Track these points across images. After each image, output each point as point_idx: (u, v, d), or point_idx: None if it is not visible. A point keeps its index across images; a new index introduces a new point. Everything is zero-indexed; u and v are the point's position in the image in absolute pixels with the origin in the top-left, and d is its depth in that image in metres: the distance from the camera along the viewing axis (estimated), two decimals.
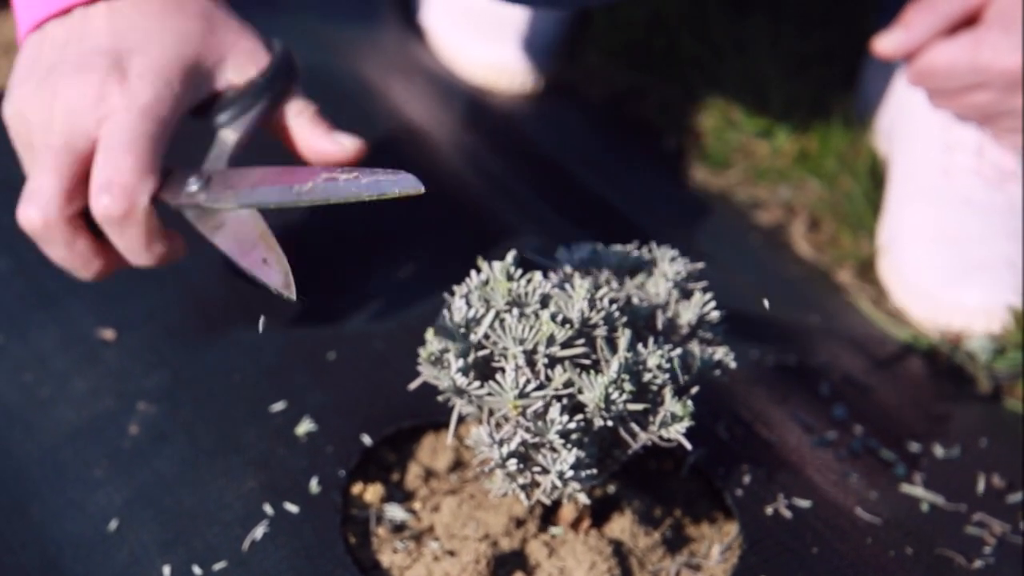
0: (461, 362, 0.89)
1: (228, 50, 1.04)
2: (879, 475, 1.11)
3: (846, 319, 1.36)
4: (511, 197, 1.37)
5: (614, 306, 0.91)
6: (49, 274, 1.20)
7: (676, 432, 0.90)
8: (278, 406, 1.06)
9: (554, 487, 0.91)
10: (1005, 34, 1.24)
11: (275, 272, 0.94)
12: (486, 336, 0.89)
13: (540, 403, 0.87)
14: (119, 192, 1.00)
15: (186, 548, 0.96)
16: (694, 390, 0.93)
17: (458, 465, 1.03)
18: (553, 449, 0.89)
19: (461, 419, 0.93)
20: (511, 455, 0.88)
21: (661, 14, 1.69)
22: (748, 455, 1.05)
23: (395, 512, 0.98)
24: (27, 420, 1.09)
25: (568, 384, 0.88)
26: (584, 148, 1.54)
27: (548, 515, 0.98)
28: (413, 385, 0.93)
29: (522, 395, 0.87)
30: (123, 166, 1.00)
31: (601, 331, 0.90)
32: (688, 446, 0.90)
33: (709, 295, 0.96)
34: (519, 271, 0.91)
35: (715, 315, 0.96)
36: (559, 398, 0.88)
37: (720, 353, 0.96)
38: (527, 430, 0.88)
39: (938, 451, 1.16)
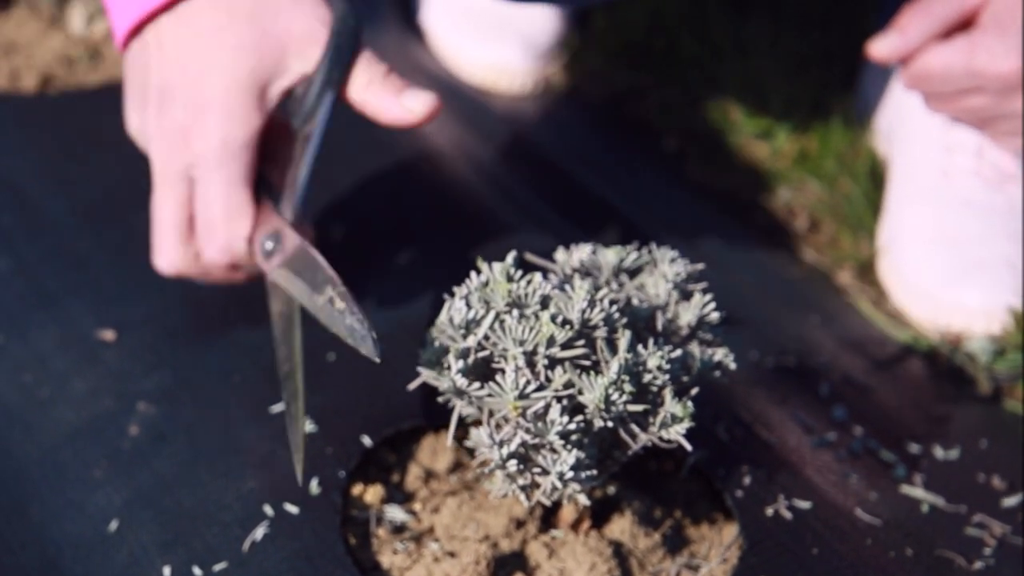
0: (461, 363, 0.89)
1: (286, 43, 1.03)
2: (879, 476, 1.11)
3: (846, 320, 1.36)
4: (511, 198, 1.37)
5: (614, 307, 0.91)
6: (49, 274, 1.20)
7: (676, 433, 0.90)
8: (278, 407, 1.05)
9: (554, 488, 0.91)
10: (1000, 38, 1.24)
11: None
12: (486, 337, 0.89)
13: (540, 404, 0.87)
14: (218, 248, 1.06)
15: (186, 549, 0.96)
16: (694, 391, 0.93)
17: (458, 466, 1.03)
18: (553, 450, 0.89)
19: (461, 420, 0.93)
20: (511, 456, 0.88)
21: (661, 15, 1.69)
22: (748, 456, 1.05)
23: (395, 513, 0.98)
24: (27, 420, 1.09)
25: (568, 385, 0.88)
26: (584, 149, 1.54)
27: (548, 516, 0.98)
28: (413, 386, 0.93)
29: (522, 396, 0.87)
30: (217, 220, 1.05)
31: (601, 332, 0.90)
32: (688, 447, 0.90)
33: (709, 296, 0.96)
34: (519, 272, 0.91)
35: (715, 316, 0.96)
36: (559, 399, 0.88)
37: (720, 354, 0.96)
38: (527, 431, 0.88)
39: (938, 452, 1.16)
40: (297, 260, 1.03)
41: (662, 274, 0.96)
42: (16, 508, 1.03)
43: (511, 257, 0.91)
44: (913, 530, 1.05)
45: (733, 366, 0.95)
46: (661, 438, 0.91)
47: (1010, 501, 1.12)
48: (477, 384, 0.89)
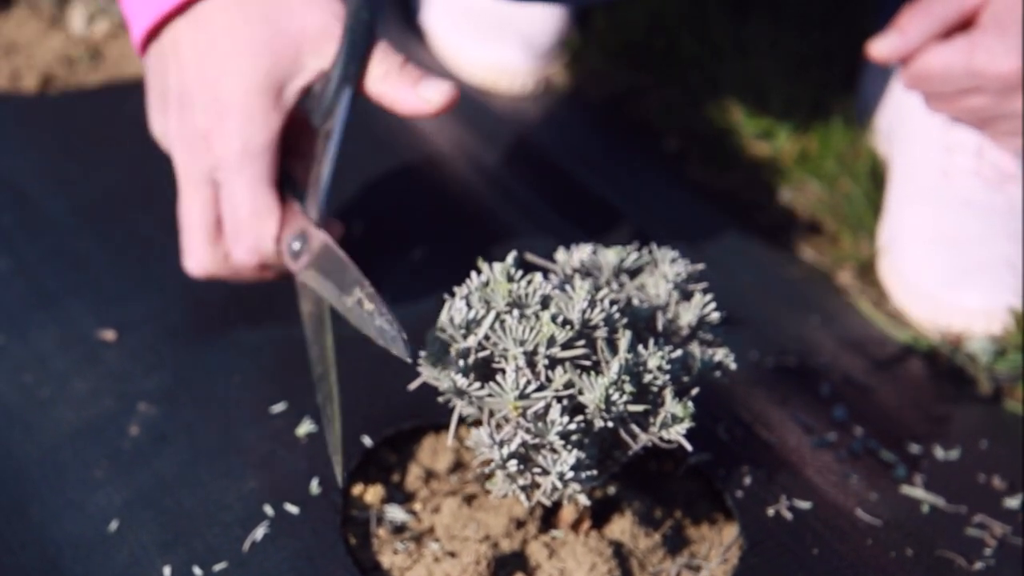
0: (461, 363, 0.89)
1: (300, 42, 1.03)
2: (879, 476, 1.11)
3: (846, 320, 1.36)
4: (511, 198, 1.37)
5: (614, 307, 0.91)
6: (49, 274, 1.20)
7: (676, 433, 0.90)
8: (279, 407, 1.06)
9: (554, 488, 0.91)
10: (1000, 38, 1.24)
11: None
12: (486, 337, 0.89)
13: (540, 404, 0.87)
14: (246, 248, 1.06)
15: (186, 549, 0.96)
16: (694, 391, 0.93)
17: (458, 466, 1.03)
18: (553, 450, 0.89)
19: (461, 420, 0.93)
20: (511, 456, 0.88)
21: (661, 15, 1.69)
22: (748, 456, 1.05)
23: (395, 513, 0.98)
24: (27, 421, 1.09)
25: (568, 385, 0.88)
26: (584, 149, 1.54)
27: (548, 516, 0.98)
28: (413, 386, 0.93)
29: (522, 396, 0.87)
30: (244, 222, 1.05)
31: (601, 332, 0.90)
32: (688, 447, 0.90)
33: (709, 296, 0.96)
34: (519, 272, 0.91)
35: (715, 316, 0.96)
36: (559, 399, 0.88)
37: (720, 354, 0.96)
38: (527, 431, 0.88)
39: (938, 452, 1.16)
40: (324, 260, 1.03)
41: (662, 274, 0.96)
42: (16, 508, 1.03)
43: (511, 257, 0.91)
44: (913, 530, 1.05)
45: (733, 366, 0.95)
46: (661, 438, 0.91)
47: (1011, 501, 1.12)
48: (477, 384, 0.89)
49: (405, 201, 1.32)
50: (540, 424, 0.88)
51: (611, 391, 0.87)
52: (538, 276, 0.91)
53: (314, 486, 0.99)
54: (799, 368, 1.23)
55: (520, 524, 0.97)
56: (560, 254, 0.97)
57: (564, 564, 0.95)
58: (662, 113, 1.61)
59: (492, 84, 1.58)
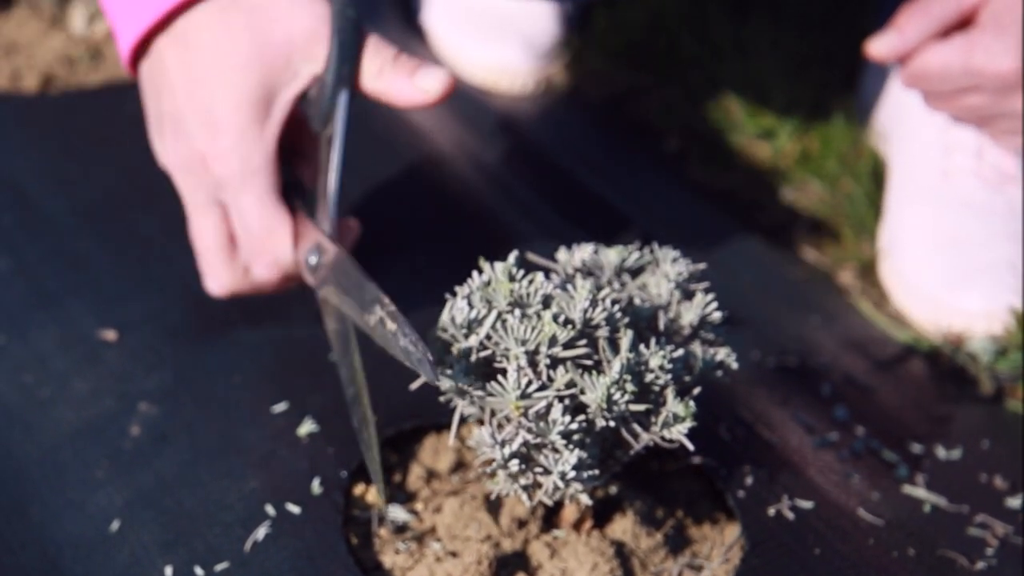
0: (463, 363, 0.89)
1: (289, 50, 1.02)
2: (881, 476, 1.11)
3: (847, 320, 1.35)
4: (511, 198, 1.37)
5: (616, 307, 0.91)
6: (49, 274, 1.20)
7: (678, 433, 0.90)
8: (280, 407, 1.06)
9: (556, 488, 0.90)
10: (998, 37, 1.24)
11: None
12: (488, 337, 0.89)
13: (542, 404, 0.87)
14: (266, 265, 1.06)
15: (187, 549, 0.96)
16: (696, 391, 0.93)
17: (460, 466, 1.02)
18: (555, 450, 0.89)
19: (463, 420, 0.93)
20: (513, 456, 0.88)
21: (661, 15, 1.69)
22: (750, 456, 1.05)
23: (397, 513, 0.98)
24: (27, 421, 1.08)
25: (570, 385, 0.88)
26: (585, 149, 1.54)
27: (550, 516, 0.98)
28: (414, 386, 0.93)
29: (524, 396, 0.87)
30: (258, 239, 1.05)
31: (603, 332, 0.90)
32: (690, 447, 0.90)
33: (711, 296, 0.96)
34: (521, 272, 0.91)
35: (717, 316, 0.96)
36: (561, 399, 0.88)
37: (722, 354, 0.96)
38: (529, 431, 0.88)
39: (940, 452, 1.16)
40: (342, 276, 1.02)
41: (664, 274, 0.96)
42: (17, 508, 1.03)
43: (513, 257, 0.91)
44: (915, 530, 1.05)
45: (735, 366, 0.95)
46: (663, 438, 0.91)
47: (1012, 501, 1.12)
48: (479, 384, 0.88)
49: (406, 201, 1.32)
50: (542, 424, 0.87)
51: (613, 390, 0.87)
52: (539, 276, 0.91)
53: (315, 486, 0.98)
54: (800, 368, 1.23)
55: (522, 524, 0.97)
56: (561, 254, 0.97)
57: (566, 564, 0.95)
58: (662, 113, 1.60)
59: (493, 84, 1.58)
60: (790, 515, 1.01)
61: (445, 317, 0.90)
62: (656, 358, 0.90)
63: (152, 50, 1.04)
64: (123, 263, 1.21)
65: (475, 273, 0.92)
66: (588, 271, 0.96)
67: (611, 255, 0.96)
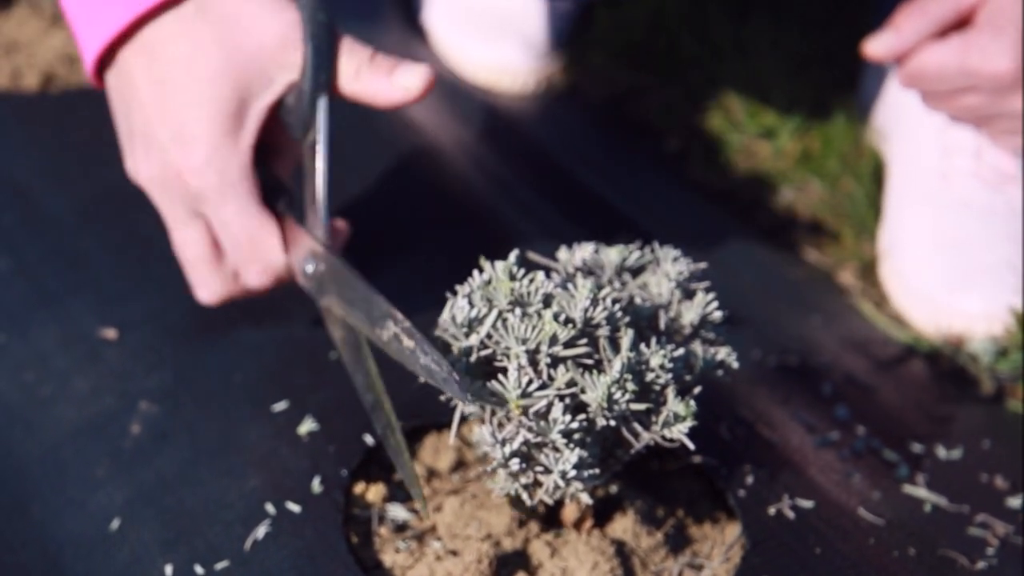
0: (463, 362, 0.89)
1: (262, 59, 1.00)
2: (882, 476, 1.11)
3: (848, 320, 1.36)
4: (512, 197, 1.37)
5: (617, 306, 0.91)
6: (50, 273, 1.20)
7: (679, 432, 0.90)
8: (280, 406, 1.06)
9: (556, 487, 0.90)
10: (995, 37, 1.24)
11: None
12: (488, 336, 0.89)
13: (543, 403, 0.87)
14: (257, 273, 1.05)
15: (188, 547, 0.96)
16: (697, 390, 0.93)
17: (460, 465, 1.02)
18: (556, 449, 0.89)
19: (463, 419, 0.93)
20: (513, 455, 0.88)
21: (662, 15, 1.69)
22: (750, 455, 1.05)
23: (397, 512, 0.98)
24: (28, 419, 1.08)
25: (571, 384, 0.88)
26: (585, 148, 1.54)
27: (551, 515, 0.98)
28: (415, 385, 0.92)
29: (525, 395, 0.87)
30: (246, 249, 1.04)
31: (604, 331, 0.90)
32: (691, 446, 0.90)
33: (712, 295, 0.96)
34: (521, 271, 0.91)
35: (717, 315, 0.96)
36: (562, 398, 0.88)
37: (722, 353, 0.95)
38: (529, 430, 0.88)
39: (941, 452, 1.16)
40: (346, 288, 1.00)
41: (665, 273, 0.96)
42: (17, 507, 1.03)
43: (514, 255, 0.91)
44: (916, 530, 1.05)
45: (736, 365, 0.95)
46: (664, 437, 0.91)
47: (1013, 501, 1.12)
48: (480, 383, 0.88)
49: (406, 200, 1.32)
50: (542, 423, 0.87)
51: (613, 390, 0.87)
52: (540, 275, 0.91)
53: (315, 484, 0.98)
54: (801, 367, 1.23)
55: (522, 523, 0.97)
56: (562, 253, 0.97)
57: (566, 563, 0.95)
58: (663, 113, 1.60)
59: (493, 84, 1.58)
60: (791, 514, 1.01)
61: (446, 316, 0.90)
62: (657, 357, 0.90)
63: (118, 62, 1.02)
64: (123, 262, 1.21)
65: (476, 272, 0.92)
66: (589, 270, 0.96)
67: (612, 254, 0.96)
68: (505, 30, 1.59)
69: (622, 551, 0.96)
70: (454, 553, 0.95)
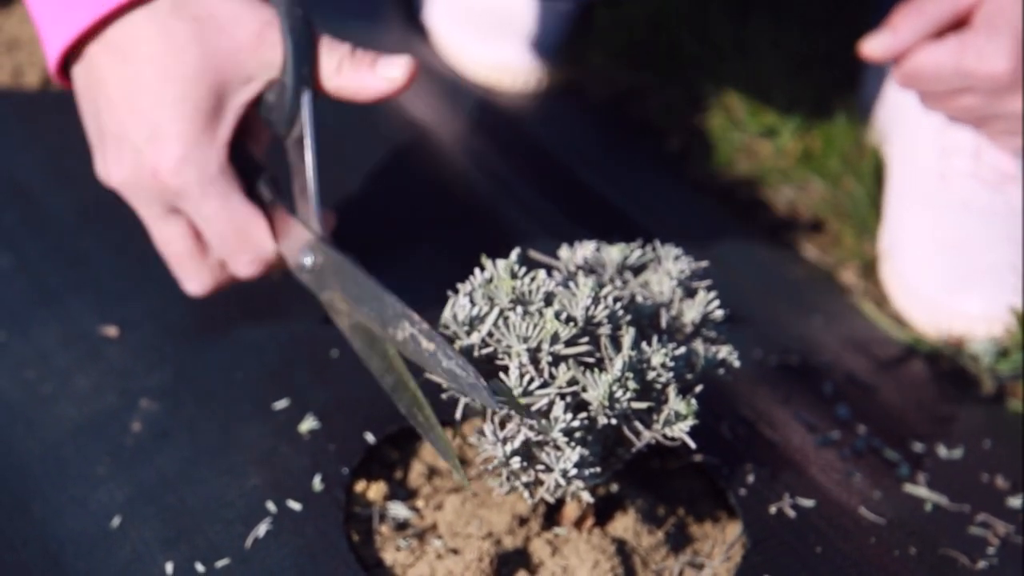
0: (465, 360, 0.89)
1: (240, 58, 0.99)
2: (883, 475, 1.11)
3: (849, 319, 1.36)
4: (513, 196, 1.37)
5: (618, 304, 0.91)
6: (51, 271, 1.20)
7: (680, 431, 0.90)
8: (281, 404, 1.05)
9: (557, 485, 0.90)
10: (991, 38, 1.24)
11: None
12: (490, 334, 0.89)
13: (544, 401, 0.87)
14: (247, 263, 1.04)
15: (189, 545, 0.96)
16: (698, 389, 0.93)
17: (461, 463, 1.02)
18: (557, 447, 0.89)
19: (464, 417, 0.93)
20: (514, 453, 0.88)
21: (663, 14, 1.69)
22: (751, 454, 1.05)
23: (398, 510, 0.98)
24: (29, 417, 1.08)
25: (572, 382, 0.88)
26: (586, 148, 1.54)
27: (551, 514, 0.98)
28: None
29: (526, 393, 0.87)
30: (233, 243, 1.03)
31: (605, 329, 0.90)
32: (692, 445, 0.90)
33: (713, 294, 0.96)
34: (523, 269, 0.91)
35: (719, 314, 0.96)
36: (563, 396, 0.88)
37: (724, 352, 0.95)
38: (531, 428, 0.88)
39: (941, 451, 1.16)
40: (351, 283, 0.99)
41: (666, 271, 0.96)
42: (18, 505, 1.03)
43: (515, 254, 0.91)
44: (917, 529, 1.05)
45: (737, 364, 0.95)
46: (665, 436, 0.91)
47: (1013, 501, 1.12)
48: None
49: (406, 199, 1.32)
50: (543, 421, 0.87)
51: (615, 388, 0.87)
52: (542, 273, 0.91)
53: (316, 483, 0.98)
54: (802, 367, 1.23)
55: (523, 521, 0.97)
56: (563, 251, 0.97)
57: (567, 561, 0.95)
58: (664, 112, 1.60)
59: (494, 83, 1.58)
60: (792, 513, 1.01)
61: (447, 314, 0.90)
62: (658, 356, 0.90)
63: (85, 60, 1.00)
64: (124, 260, 1.21)
65: (477, 270, 0.92)
66: (590, 269, 0.96)
67: (613, 253, 0.96)
68: (506, 29, 1.59)
69: (623, 550, 0.96)
70: (455, 551, 0.95)
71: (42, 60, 1.44)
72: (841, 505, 1.04)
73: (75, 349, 1.13)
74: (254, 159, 1.06)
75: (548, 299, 0.90)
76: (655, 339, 0.91)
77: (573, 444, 0.88)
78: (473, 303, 0.90)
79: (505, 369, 0.87)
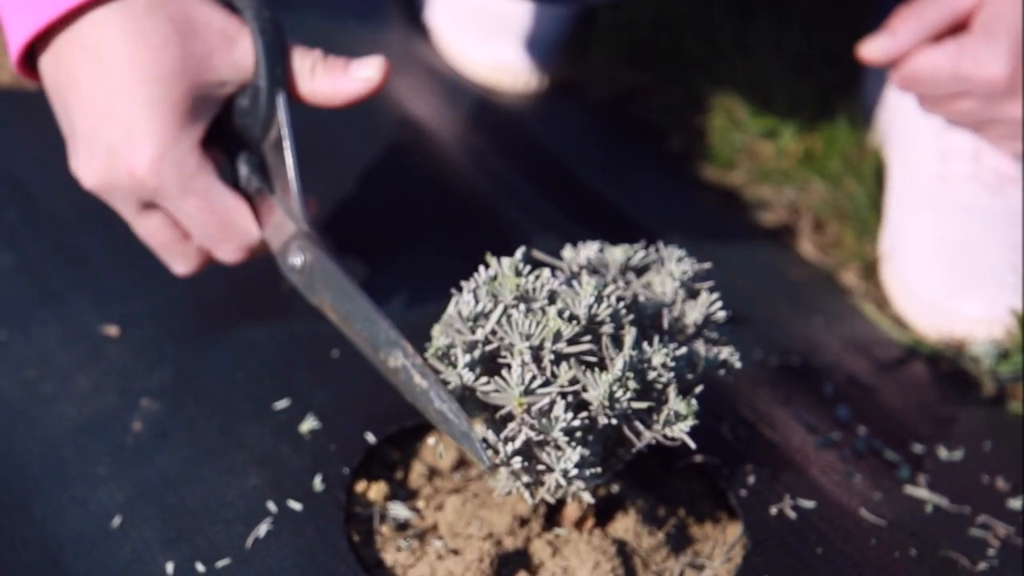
0: (468, 357, 0.89)
1: (214, 61, 0.99)
2: (883, 476, 1.11)
3: (850, 321, 1.35)
4: (514, 196, 1.37)
5: (621, 304, 0.91)
6: (52, 270, 1.20)
7: (680, 431, 0.90)
8: (281, 404, 1.05)
9: (558, 486, 0.90)
10: (988, 44, 1.24)
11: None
12: (493, 331, 0.89)
13: (545, 400, 0.87)
14: (232, 251, 1.04)
15: (189, 545, 0.96)
16: (698, 389, 0.93)
17: (462, 463, 1.02)
18: (557, 447, 0.89)
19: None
20: (515, 453, 0.88)
21: (665, 15, 1.69)
22: (752, 455, 1.05)
23: (399, 510, 0.98)
24: (29, 416, 1.08)
25: (573, 381, 0.88)
26: (587, 148, 1.54)
27: (552, 514, 0.98)
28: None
29: (528, 392, 0.87)
30: (217, 233, 1.02)
31: (607, 328, 0.90)
32: (692, 445, 0.90)
33: (715, 295, 0.96)
34: (527, 268, 0.91)
35: (721, 315, 0.96)
36: (564, 395, 0.88)
37: (725, 353, 0.95)
38: (532, 427, 0.88)
39: (942, 453, 1.16)
40: (342, 297, 0.98)
41: (669, 272, 0.96)
42: (18, 504, 1.03)
43: (520, 252, 0.91)
44: (917, 530, 1.05)
45: (738, 365, 0.95)
46: (665, 436, 0.91)
47: (1014, 502, 1.12)
48: (484, 379, 0.88)
49: (409, 199, 1.32)
50: (544, 420, 0.87)
51: (615, 388, 0.87)
52: (545, 272, 0.91)
53: (317, 483, 0.98)
54: (803, 368, 1.23)
55: (524, 522, 0.97)
56: (567, 251, 0.97)
57: (567, 562, 0.95)
58: (665, 112, 1.60)
59: (496, 83, 1.58)
60: (792, 514, 1.01)
61: (451, 310, 0.90)
62: (659, 356, 0.90)
63: (53, 54, 0.99)
64: (125, 259, 1.21)
65: (481, 268, 0.92)
66: (593, 269, 0.96)
67: (616, 253, 0.96)
68: (507, 29, 1.59)
69: (623, 551, 0.96)
70: (455, 552, 0.95)
71: None
72: (842, 506, 1.04)
73: (75, 348, 1.13)
74: (239, 143, 1.05)
75: (551, 297, 0.90)
76: (657, 339, 0.91)
77: (574, 444, 0.88)
78: (477, 300, 0.90)
79: (508, 367, 0.87)
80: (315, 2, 1.54)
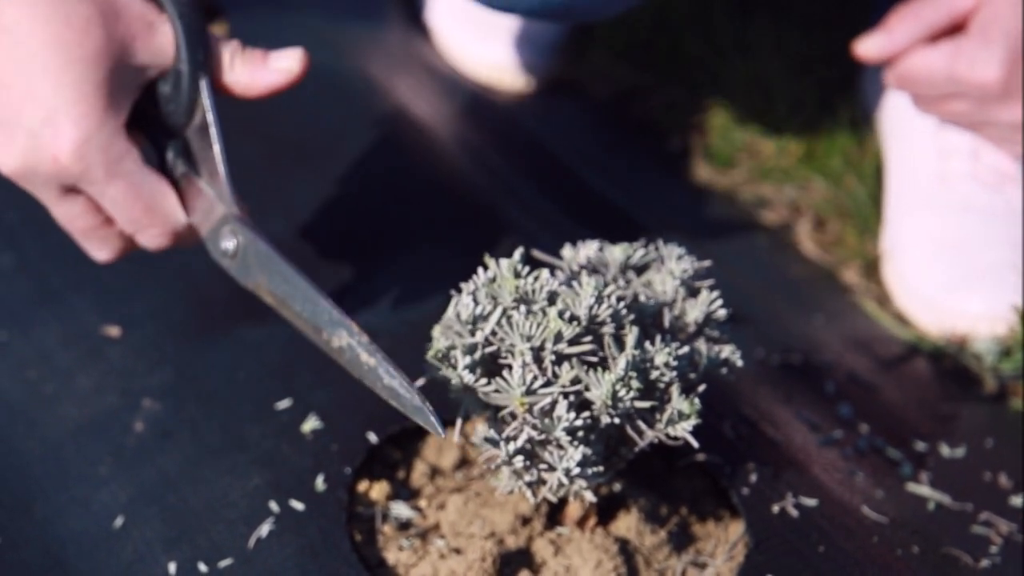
0: (468, 359, 0.89)
1: (134, 47, 0.97)
2: (885, 474, 1.11)
3: (851, 319, 1.35)
4: (514, 196, 1.37)
5: (621, 303, 0.90)
6: (53, 270, 1.20)
7: (683, 430, 0.90)
8: (283, 404, 1.05)
9: (560, 484, 0.90)
10: (983, 46, 1.24)
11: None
12: (493, 333, 0.89)
13: (547, 400, 0.87)
14: (157, 236, 1.02)
15: (191, 545, 0.96)
16: (701, 388, 0.93)
17: (464, 463, 1.02)
18: (560, 446, 0.89)
19: (467, 417, 0.93)
20: (517, 452, 0.88)
21: (666, 14, 1.69)
22: (754, 454, 1.05)
23: (401, 510, 0.98)
24: (31, 417, 1.08)
25: (575, 381, 0.88)
26: (588, 147, 1.54)
27: (554, 513, 0.98)
28: (419, 382, 0.92)
29: (529, 392, 0.87)
30: (142, 218, 1.01)
31: (608, 328, 0.90)
32: (694, 444, 0.90)
33: (716, 293, 0.95)
34: (526, 268, 0.91)
35: (722, 313, 0.96)
36: (566, 395, 0.88)
37: (727, 351, 0.95)
38: (534, 427, 0.88)
39: (944, 450, 1.16)
40: (278, 278, 0.97)
41: (669, 271, 0.96)
42: (20, 505, 1.03)
43: (518, 253, 0.91)
44: (919, 528, 1.05)
45: (740, 363, 0.95)
46: (668, 435, 0.91)
47: (1016, 499, 1.12)
48: (484, 380, 0.88)
49: (408, 198, 1.32)
50: (546, 420, 0.87)
51: (618, 387, 0.87)
52: (545, 272, 0.91)
53: (319, 482, 0.98)
54: (804, 366, 1.23)
55: (526, 521, 0.97)
56: (567, 251, 0.97)
57: (570, 561, 0.95)
58: (666, 111, 1.60)
59: (496, 82, 1.58)
60: (794, 513, 1.01)
61: (450, 313, 0.90)
62: (661, 355, 0.90)
63: None
64: (126, 259, 1.21)
65: (480, 269, 0.92)
66: (593, 268, 0.96)
67: (616, 252, 0.96)
68: (507, 29, 1.59)
69: (626, 549, 0.96)
70: (457, 551, 0.95)
71: None
72: (844, 504, 1.04)
73: (77, 349, 1.13)
74: (162, 129, 1.03)
75: (551, 298, 0.90)
76: (658, 338, 0.91)
77: (576, 443, 0.88)
78: (476, 302, 0.90)
79: (509, 368, 0.87)
80: (315, 2, 1.54)
